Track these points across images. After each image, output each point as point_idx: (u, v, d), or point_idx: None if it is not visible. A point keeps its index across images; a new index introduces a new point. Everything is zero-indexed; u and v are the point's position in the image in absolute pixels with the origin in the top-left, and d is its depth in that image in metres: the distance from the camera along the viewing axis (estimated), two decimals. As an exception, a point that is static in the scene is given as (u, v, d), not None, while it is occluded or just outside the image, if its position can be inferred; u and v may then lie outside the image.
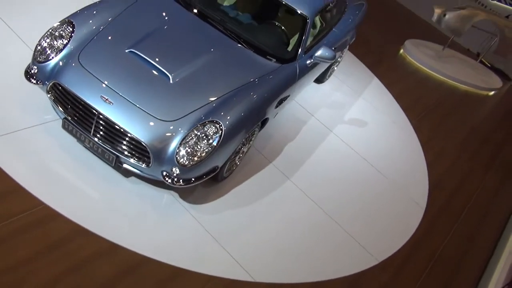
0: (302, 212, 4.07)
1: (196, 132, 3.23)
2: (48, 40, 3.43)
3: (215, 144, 3.24)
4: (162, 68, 3.42)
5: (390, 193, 4.77)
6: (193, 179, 3.30)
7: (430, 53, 8.12)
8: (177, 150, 3.19)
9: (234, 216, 3.71)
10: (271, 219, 3.86)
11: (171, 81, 3.39)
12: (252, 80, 3.72)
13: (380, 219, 4.41)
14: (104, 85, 3.23)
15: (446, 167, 5.63)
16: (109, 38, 3.53)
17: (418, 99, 6.81)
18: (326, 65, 5.22)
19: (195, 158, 3.20)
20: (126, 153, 3.24)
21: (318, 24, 4.90)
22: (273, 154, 4.46)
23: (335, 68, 5.99)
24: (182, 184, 3.26)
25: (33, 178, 3.22)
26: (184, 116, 3.28)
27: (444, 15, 7.44)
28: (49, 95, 3.37)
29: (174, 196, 3.62)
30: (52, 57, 3.37)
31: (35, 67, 3.38)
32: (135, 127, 3.16)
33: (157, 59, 3.46)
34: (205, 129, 3.25)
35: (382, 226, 4.35)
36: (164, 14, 3.94)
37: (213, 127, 3.27)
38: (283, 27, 4.41)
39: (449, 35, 8.05)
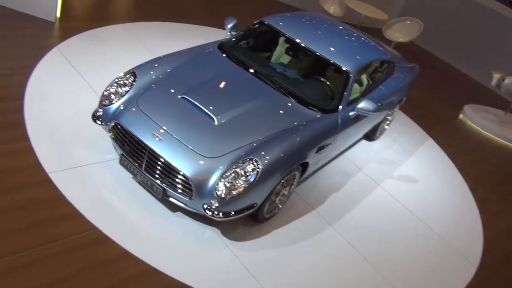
0: (345, 261, 4.07)
1: (235, 169, 3.48)
2: (113, 88, 3.94)
3: (252, 180, 3.46)
4: (209, 111, 3.78)
5: (440, 249, 4.64)
6: (231, 212, 3.50)
7: (492, 118, 8.00)
8: (217, 185, 3.44)
9: (273, 255, 3.82)
10: (311, 262, 3.91)
11: (216, 123, 3.73)
12: (292, 125, 3.98)
13: (428, 274, 4.29)
14: (155, 124, 3.63)
15: (504, 228, 5.39)
16: (165, 86, 3.98)
17: (476, 161, 6.68)
18: (373, 121, 5.39)
19: (233, 192, 3.43)
20: (171, 186, 3.54)
21: (365, 81, 5.14)
22: (317, 202, 4.58)
23: (386, 127, 6.11)
24: (221, 216, 3.47)
25: (89, 206, 3.58)
26: (225, 154, 3.56)
27: (503, 79, 7.42)
28: (110, 134, 3.81)
29: (216, 232, 3.82)
30: (115, 102, 3.85)
31: (101, 110, 3.87)
32: (180, 162, 3.47)
33: (204, 104, 3.83)
34: (244, 166, 3.50)
35: (430, 281, 4.22)
36: (216, 68, 4.38)
37: (251, 165, 3.51)
38: (327, 81, 4.69)
39: (509, 100, 7.94)
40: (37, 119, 4.22)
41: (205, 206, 3.48)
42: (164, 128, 3.61)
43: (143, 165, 3.63)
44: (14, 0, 5.64)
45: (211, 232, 3.81)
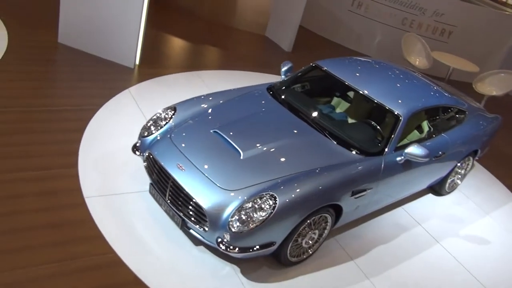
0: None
1: (251, 203, 3.39)
2: (153, 121, 4.14)
3: (266, 216, 3.34)
4: (236, 145, 3.79)
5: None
6: (245, 248, 3.38)
7: None
8: (231, 217, 3.37)
9: (292, 301, 3.59)
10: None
11: (241, 157, 3.71)
12: (325, 165, 3.81)
13: None
14: (182, 155, 3.71)
15: None
16: (202, 121, 4.09)
17: None
18: (437, 172, 4.95)
19: (246, 227, 3.33)
20: (188, 216, 3.55)
21: (425, 127, 4.81)
22: (357, 253, 4.25)
23: (458, 181, 5.56)
24: (235, 251, 3.37)
25: (113, 230, 3.71)
26: (245, 187, 3.50)
27: None
28: (144, 164, 3.98)
29: (235, 270, 3.70)
30: (153, 133, 4.03)
31: (139, 141, 4.07)
32: (197, 192, 3.48)
33: (234, 138, 3.85)
34: (261, 201, 3.40)
35: None
36: (258, 107, 4.41)
37: (269, 201, 3.40)
38: (377, 125, 4.45)
39: None
40: (91, 149, 4.56)
41: (219, 239, 3.42)
42: (190, 159, 3.68)
43: (167, 195, 3.70)
44: (98, 48, 6.31)
45: (230, 270, 3.70)
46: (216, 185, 3.51)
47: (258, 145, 3.85)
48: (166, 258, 3.64)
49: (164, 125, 4.08)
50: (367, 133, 4.36)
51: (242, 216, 3.36)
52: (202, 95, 4.51)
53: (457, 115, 5.13)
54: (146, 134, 4.08)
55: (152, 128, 4.10)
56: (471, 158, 5.45)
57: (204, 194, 3.48)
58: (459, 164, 5.24)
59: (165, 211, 3.78)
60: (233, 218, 3.37)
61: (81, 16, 6.13)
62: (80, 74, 5.94)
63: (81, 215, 3.79)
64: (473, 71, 8.06)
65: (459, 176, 5.50)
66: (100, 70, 6.13)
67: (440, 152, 4.69)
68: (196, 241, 3.82)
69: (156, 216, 3.96)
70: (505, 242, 5.04)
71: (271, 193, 3.43)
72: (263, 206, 3.39)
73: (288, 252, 3.70)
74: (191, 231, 3.65)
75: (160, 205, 3.82)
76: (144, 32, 6.25)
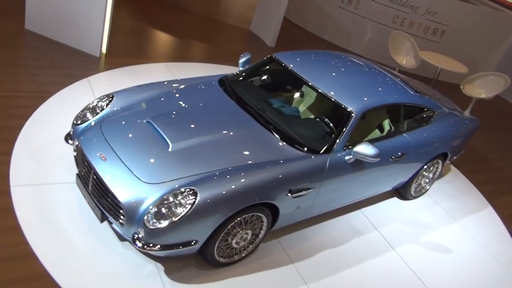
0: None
1: (170, 198, 3.17)
2: (88, 108, 3.94)
3: (183, 213, 3.11)
4: (166, 136, 3.56)
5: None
6: (162, 246, 3.16)
7: None
8: (147, 212, 3.15)
9: (215, 305, 3.36)
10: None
11: (169, 149, 3.49)
12: (262, 161, 3.57)
13: None
14: (108, 145, 3.50)
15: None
16: (136, 111, 3.88)
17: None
18: (398, 174, 4.67)
19: (161, 223, 3.11)
20: (108, 209, 3.34)
21: (386, 126, 4.54)
22: (300, 256, 3.99)
23: (426, 186, 5.26)
24: (152, 249, 3.14)
25: (34, 223, 3.52)
26: (167, 181, 3.27)
27: None
28: (74, 153, 3.78)
29: (159, 269, 3.48)
30: (85, 121, 3.83)
31: (72, 129, 3.88)
32: (117, 184, 3.27)
33: (166, 129, 3.63)
34: (181, 196, 3.17)
35: None
36: (203, 98, 4.17)
37: (190, 196, 3.17)
38: (328, 121, 4.19)
39: None
40: (30, 137, 4.38)
41: (135, 235, 3.20)
42: (114, 149, 3.47)
43: (89, 186, 3.49)
44: (65, 35, 6.14)
45: (153, 268, 3.48)
46: (137, 177, 3.29)
47: (190, 137, 3.62)
48: (85, 253, 3.43)
49: (98, 113, 3.88)
50: (316, 130, 4.10)
51: (159, 211, 3.14)
52: (144, 84, 4.30)
53: (423, 115, 4.85)
54: (79, 122, 3.88)
55: (88, 115, 3.90)
56: (440, 162, 5.15)
57: (122, 186, 3.26)
58: (425, 167, 4.94)
59: (88, 203, 3.58)
60: (149, 213, 3.15)
61: (47, 3, 5.96)
62: (42, 61, 5.79)
63: (1, 203, 3.61)
64: (462, 72, 7.72)
65: (427, 180, 5.20)
66: (63, 57, 5.96)
67: (399, 153, 4.42)
68: (122, 237, 3.61)
69: (84, 209, 3.76)
70: (469, 251, 4.74)
71: (192, 188, 3.21)
72: (182, 201, 3.16)
73: (215, 252, 3.47)
74: (113, 225, 3.45)
75: (84, 197, 3.61)
76: (110, 20, 6.06)
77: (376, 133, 4.61)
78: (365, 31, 9.35)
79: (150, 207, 3.16)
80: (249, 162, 3.54)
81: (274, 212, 3.66)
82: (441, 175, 5.88)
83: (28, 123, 4.55)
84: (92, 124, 3.80)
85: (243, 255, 3.72)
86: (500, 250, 4.91)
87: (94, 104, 3.99)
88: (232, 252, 3.62)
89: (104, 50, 6.26)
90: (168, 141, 3.54)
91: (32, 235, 3.41)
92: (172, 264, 3.54)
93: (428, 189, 5.36)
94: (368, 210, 4.83)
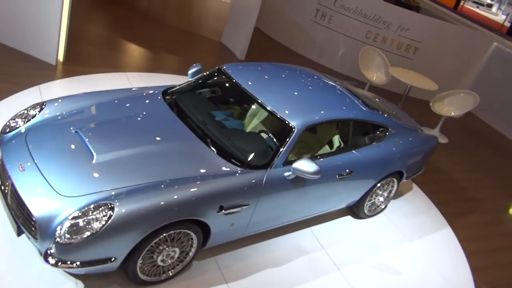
0: None
1: (86, 213, 2.99)
2: (18, 117, 3.78)
3: (97, 228, 2.94)
4: (92, 148, 3.40)
5: None
6: (75, 262, 2.97)
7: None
8: (60, 227, 2.98)
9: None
10: None
11: (93, 161, 3.32)
12: (191, 175, 3.41)
13: None
14: (29, 155, 3.33)
15: None
16: (66, 120, 3.71)
17: (505, 265, 5.24)
18: (349, 193, 4.54)
19: (74, 238, 2.93)
20: (22, 222, 3.16)
21: (336, 143, 4.41)
22: (236, 276, 3.81)
23: (382, 205, 5.12)
24: (65, 265, 2.96)
25: None
26: (86, 194, 3.10)
27: None
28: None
29: (78, 286, 3.30)
30: (13, 130, 3.67)
31: (0, 136, 3.70)
32: (32, 195, 3.09)
33: (93, 140, 3.46)
34: (97, 211, 3.00)
35: None
36: (139, 109, 4.01)
37: (107, 211, 3.00)
38: (271, 135, 4.06)
39: None
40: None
41: (48, 251, 3.02)
42: (35, 159, 3.30)
43: (8, 197, 3.32)
44: (20, 41, 6.00)
45: (72, 286, 3.29)
46: (53, 189, 3.12)
47: (117, 149, 3.46)
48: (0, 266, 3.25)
49: (26, 122, 3.72)
50: (256, 144, 3.95)
51: (74, 226, 2.96)
52: (82, 93, 4.15)
53: (376, 132, 4.72)
54: (7, 130, 3.71)
55: (20, 123, 3.73)
56: (395, 180, 5.01)
57: (37, 199, 3.08)
58: (379, 185, 4.80)
59: (7, 215, 3.39)
60: (62, 228, 2.97)
61: (5, 8, 5.83)
62: (-8, 67, 5.64)
63: None
64: (432, 90, 7.63)
65: (381, 199, 5.06)
66: (14, 63, 5.81)
67: (347, 170, 4.27)
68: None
69: (3, 222, 3.57)
70: (421, 274, 4.57)
71: (110, 203, 3.04)
72: (98, 216, 2.99)
73: (138, 269, 3.29)
74: (30, 240, 3.27)
75: (4, 209, 3.43)
76: (67, 26, 5.93)
77: (325, 149, 4.48)
78: (338, 46, 9.28)
79: (64, 221, 2.99)
80: (177, 176, 3.38)
81: (205, 229, 3.50)
82: (400, 194, 5.74)
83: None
84: (22, 131, 3.64)
85: (171, 274, 3.54)
86: (455, 273, 4.75)
87: (25, 112, 3.83)
88: (159, 270, 3.45)
89: (61, 57, 6.11)
90: (93, 152, 3.38)
91: None
92: (94, 282, 3.36)
93: (383, 208, 5.21)
94: (317, 228, 4.67)
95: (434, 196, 5.96)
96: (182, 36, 8.82)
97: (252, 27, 7.98)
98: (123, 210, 3.02)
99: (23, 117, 3.78)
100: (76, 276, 3.35)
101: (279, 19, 9.85)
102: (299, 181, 3.89)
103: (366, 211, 4.97)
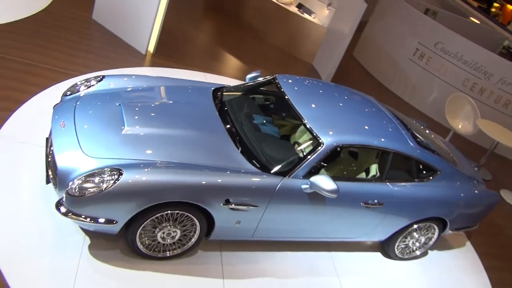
0: None
1: (99, 173, 3.27)
2: (80, 82, 4.24)
3: (103, 188, 3.20)
4: (125, 120, 3.70)
5: None
6: (80, 215, 3.25)
7: None
8: (74, 180, 3.28)
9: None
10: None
11: (122, 132, 3.62)
12: (204, 164, 3.55)
13: None
14: (72, 116, 3.73)
15: None
16: (116, 94, 4.08)
17: None
18: (375, 227, 4.33)
19: (83, 193, 3.21)
20: (50, 172, 3.53)
21: (372, 171, 4.29)
22: (235, 275, 3.83)
23: (417, 251, 4.80)
24: (72, 216, 3.25)
25: (-4, 169, 3.85)
26: (105, 158, 3.39)
27: None
28: (53, 119, 4.07)
29: (84, 242, 3.57)
30: (69, 95, 4.12)
31: (60, 99, 4.18)
32: (62, 149, 3.46)
33: (129, 114, 3.77)
34: (108, 174, 3.26)
35: None
36: (185, 98, 4.27)
37: (115, 175, 3.25)
38: (301, 148, 4.06)
39: None
40: (37, 103, 4.79)
41: (60, 201, 3.34)
42: (75, 120, 3.69)
43: (47, 149, 3.73)
44: (121, 30, 6.69)
45: (79, 239, 3.58)
46: (80, 148, 3.45)
47: (147, 126, 3.72)
48: (24, 209, 3.64)
49: (85, 89, 4.16)
50: (282, 152, 3.99)
51: (85, 182, 3.25)
52: (141, 75, 4.52)
53: (420, 170, 4.47)
54: (68, 93, 4.18)
55: (74, 90, 4.18)
56: (435, 228, 4.68)
57: (65, 153, 3.44)
58: (415, 227, 4.53)
59: (44, 163, 3.81)
60: (76, 181, 3.27)
61: (113, -2, 6.58)
62: (90, 46, 6.34)
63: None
64: (522, 151, 6.99)
65: (417, 244, 4.74)
66: (111, 48, 6.47)
67: (375, 201, 4.12)
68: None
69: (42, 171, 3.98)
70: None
71: (120, 169, 3.29)
72: (107, 178, 3.25)
73: (138, 238, 3.49)
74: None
75: (45, 157, 3.85)
76: (161, 22, 6.47)
77: (361, 175, 4.36)
78: (432, 89, 8.89)
79: (79, 176, 3.29)
80: (192, 162, 3.54)
81: (210, 219, 3.61)
82: (447, 246, 5.33)
83: (42, 93, 4.98)
84: (80, 95, 4.07)
85: (168, 254, 3.68)
86: None
87: (86, 81, 4.27)
88: (158, 247, 3.62)
89: (151, 48, 6.68)
90: (125, 124, 3.68)
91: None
92: (100, 242, 3.62)
93: (419, 255, 4.87)
94: (339, 255, 4.52)
95: (487, 260, 5.43)
96: (276, 53, 9.10)
97: (342, 54, 7.99)
98: (129, 177, 3.24)
99: (84, 85, 4.23)
100: (87, 232, 3.64)
101: (377, 52, 9.73)
102: (318, 198, 3.83)
103: (397, 252, 4.70)
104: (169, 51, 7.03)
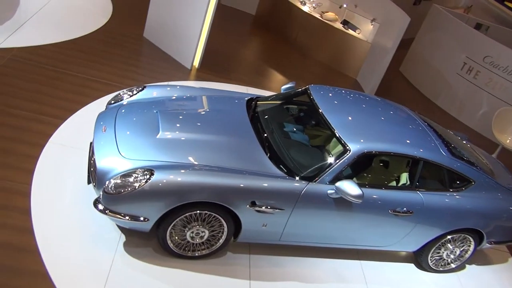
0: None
1: (135, 173, 3.52)
2: (123, 92, 4.57)
3: (136, 187, 3.44)
4: (161, 126, 3.96)
5: None
6: (115, 213, 3.50)
7: None
8: (111, 179, 3.55)
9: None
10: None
11: (157, 136, 3.87)
12: (232, 167, 3.73)
13: None
14: (113, 121, 4.03)
15: None
16: (155, 102, 4.36)
17: None
18: (404, 236, 4.31)
19: (117, 192, 3.46)
20: (91, 173, 3.83)
21: (403, 179, 4.31)
22: (262, 278, 3.96)
23: (452, 264, 4.70)
24: (108, 213, 3.51)
25: (46, 171, 4.20)
26: (139, 160, 3.65)
27: None
28: (98, 126, 4.40)
29: (120, 239, 3.83)
30: (113, 103, 4.45)
31: (105, 107, 4.52)
32: (101, 151, 3.75)
33: (164, 120, 4.03)
34: (141, 174, 3.51)
35: None
36: (220, 106, 4.50)
37: (147, 175, 3.49)
38: (329, 155, 4.14)
39: None
40: (87, 112, 5.18)
41: (98, 199, 3.61)
42: (115, 125, 3.98)
43: (90, 152, 4.05)
44: (169, 46, 7.10)
45: (115, 236, 3.85)
46: (118, 150, 3.73)
47: (181, 131, 3.96)
48: (67, 204, 3.96)
49: (128, 98, 4.48)
50: (309, 158, 4.10)
51: (121, 181, 3.51)
52: (177, 85, 4.81)
53: (454, 181, 4.41)
54: (112, 102, 4.52)
55: (125, 97, 4.50)
56: (471, 240, 4.57)
57: (104, 154, 3.73)
58: (449, 238, 4.46)
59: (88, 165, 4.12)
60: (112, 181, 3.54)
61: (163, 17, 6.99)
62: (138, 61, 6.76)
63: (34, 152, 4.38)
64: None
65: (452, 256, 4.65)
66: (158, 62, 6.86)
67: (404, 209, 4.12)
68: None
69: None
70: None
71: (152, 170, 3.52)
72: (140, 178, 3.50)
73: (168, 236, 3.70)
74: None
75: (88, 159, 4.16)
76: (206, 39, 6.79)
77: (391, 183, 4.37)
78: (480, 104, 8.65)
79: (115, 176, 3.56)
80: (221, 165, 3.72)
81: (237, 221, 3.76)
82: (488, 261, 5.17)
83: (93, 103, 5.38)
84: (123, 104, 4.38)
85: (196, 254, 3.86)
86: None
87: (129, 91, 4.59)
88: (188, 246, 3.81)
89: (196, 63, 7.01)
90: (160, 129, 3.94)
91: (38, 179, 4.09)
92: (134, 240, 3.87)
93: (454, 268, 4.76)
94: (369, 263, 4.53)
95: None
96: (320, 68, 9.22)
97: (385, 67, 7.99)
98: (160, 177, 3.47)
99: (127, 94, 4.55)
100: (123, 230, 3.90)
101: (424, 67, 9.60)
102: (345, 204, 3.90)
103: (431, 263, 4.63)
104: (213, 66, 7.33)
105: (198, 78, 6.84)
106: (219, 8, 7.03)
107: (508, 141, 7.28)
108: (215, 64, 7.44)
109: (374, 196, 4.03)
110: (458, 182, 4.44)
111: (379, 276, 4.45)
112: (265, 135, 4.19)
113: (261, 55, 9.07)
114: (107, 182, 3.54)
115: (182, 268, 3.79)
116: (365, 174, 4.48)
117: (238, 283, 3.84)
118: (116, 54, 6.73)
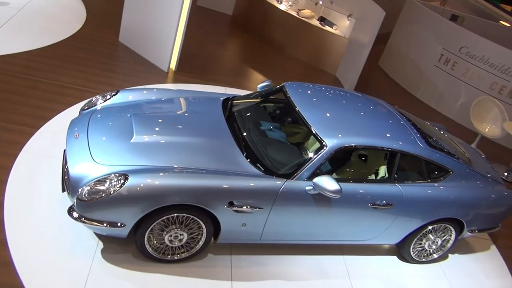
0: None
1: (107, 179, 3.46)
2: (97, 98, 4.50)
3: (110, 192, 3.38)
4: (135, 129, 3.90)
5: None
6: (90, 219, 3.44)
7: None
8: (84, 186, 3.49)
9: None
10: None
11: (131, 140, 3.81)
12: (207, 168, 3.69)
13: None
14: (85, 127, 3.97)
15: None
16: (129, 106, 4.30)
17: None
18: (385, 228, 4.31)
19: (91, 199, 3.40)
20: (65, 181, 3.76)
21: (381, 173, 4.31)
22: (244, 278, 3.93)
23: (434, 254, 4.71)
24: (83, 221, 3.45)
25: (20, 179, 4.13)
26: (113, 165, 3.59)
27: None
28: (72, 133, 4.33)
29: (98, 246, 3.77)
30: (86, 109, 4.39)
31: (78, 113, 4.45)
32: (74, 158, 3.69)
33: (138, 124, 3.97)
34: (115, 179, 3.45)
35: None
36: (193, 107, 4.46)
37: (121, 180, 3.44)
38: (306, 152, 4.13)
39: None
40: (60, 120, 5.10)
41: (72, 206, 3.55)
42: (88, 131, 3.92)
43: (64, 160, 3.98)
44: (145, 50, 7.02)
45: (93, 244, 3.79)
46: (91, 156, 3.67)
47: (155, 135, 3.92)
48: (42, 214, 3.89)
49: (101, 103, 4.41)
50: (286, 155, 4.07)
51: (94, 187, 3.45)
52: (153, 88, 4.76)
53: (432, 171, 4.43)
54: (86, 108, 4.45)
55: (98, 102, 4.44)
56: (452, 229, 4.59)
57: (77, 161, 3.66)
58: (429, 228, 4.47)
59: (61, 173, 4.04)
60: (85, 187, 3.48)
61: (137, 21, 6.92)
62: (112, 66, 6.69)
63: (5, 162, 4.30)
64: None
65: (433, 247, 4.66)
66: (134, 66, 6.80)
67: (383, 202, 4.12)
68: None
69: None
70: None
71: (126, 174, 3.47)
72: (114, 183, 3.44)
73: (146, 241, 3.65)
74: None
75: (61, 167, 4.10)
76: (181, 41, 6.74)
77: (370, 177, 4.37)
78: (459, 94, 8.72)
79: (88, 182, 3.50)
80: (197, 167, 3.68)
81: (216, 223, 3.72)
82: (470, 250, 5.20)
83: (67, 111, 5.30)
84: (97, 109, 4.32)
85: (176, 258, 3.82)
86: None
87: (101, 96, 4.52)
88: (167, 250, 3.76)
89: (173, 66, 6.95)
90: (134, 133, 3.88)
91: (12, 190, 4.01)
92: (112, 247, 3.81)
93: (437, 258, 4.78)
94: (352, 258, 4.52)
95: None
96: (300, 66, 9.22)
97: (363, 62, 8.01)
98: (135, 182, 3.42)
99: (101, 99, 4.48)
100: (100, 237, 3.84)
101: (402, 60, 9.66)
102: (324, 200, 3.89)
103: (413, 255, 4.64)
104: (191, 67, 7.28)
105: (176, 80, 6.79)
106: (195, 9, 7.01)
107: (487, 130, 7.33)
108: (192, 65, 7.39)
109: (353, 191, 4.02)
110: (436, 172, 4.46)
111: (362, 270, 4.45)
112: (242, 134, 4.16)
113: (239, 55, 9.05)
114: (80, 189, 3.48)
115: (162, 272, 3.74)
116: (344, 169, 4.47)
117: (219, 284, 3.80)
118: (91, 60, 6.64)
